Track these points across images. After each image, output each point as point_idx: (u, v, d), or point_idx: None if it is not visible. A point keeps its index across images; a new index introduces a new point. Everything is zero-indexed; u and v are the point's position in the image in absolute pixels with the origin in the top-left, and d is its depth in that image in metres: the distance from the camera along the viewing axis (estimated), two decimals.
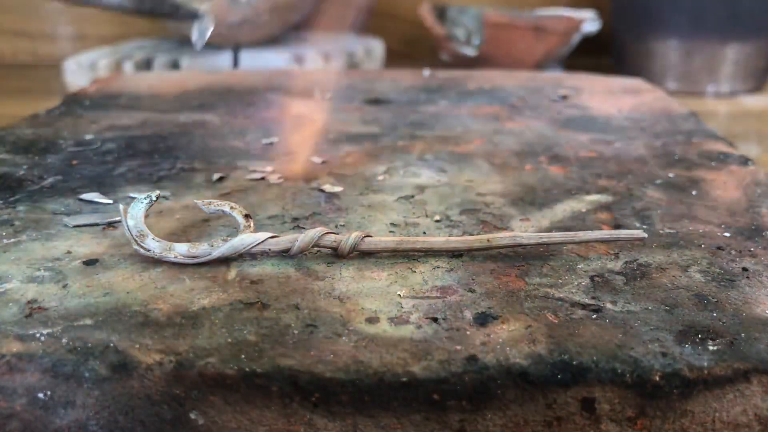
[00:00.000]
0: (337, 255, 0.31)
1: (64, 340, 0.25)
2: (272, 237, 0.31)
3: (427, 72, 0.71)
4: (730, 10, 0.97)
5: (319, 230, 0.31)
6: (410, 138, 0.49)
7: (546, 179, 0.41)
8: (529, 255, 0.32)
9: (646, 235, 0.32)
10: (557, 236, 0.31)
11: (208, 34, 0.39)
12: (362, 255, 0.31)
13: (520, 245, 0.31)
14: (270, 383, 0.24)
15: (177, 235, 0.33)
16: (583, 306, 0.27)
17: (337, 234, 0.31)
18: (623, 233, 0.32)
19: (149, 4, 0.39)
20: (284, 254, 0.31)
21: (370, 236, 0.31)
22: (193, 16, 0.39)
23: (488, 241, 0.31)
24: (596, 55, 1.13)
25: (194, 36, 0.39)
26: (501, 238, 0.31)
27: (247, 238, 0.30)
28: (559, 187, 0.40)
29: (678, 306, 0.28)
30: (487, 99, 0.61)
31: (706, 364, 0.24)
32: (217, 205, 0.32)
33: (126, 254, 0.31)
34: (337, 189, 0.39)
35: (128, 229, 0.30)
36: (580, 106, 0.59)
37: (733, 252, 0.32)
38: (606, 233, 0.32)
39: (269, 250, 0.31)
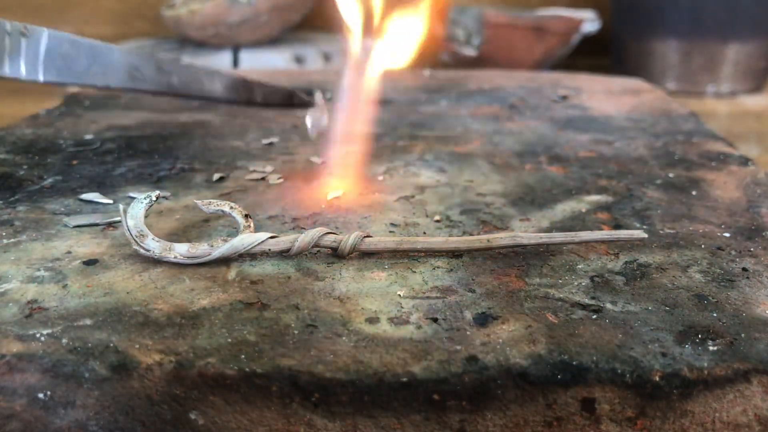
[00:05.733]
0: (337, 255, 0.31)
1: (64, 341, 0.25)
2: (272, 237, 0.31)
3: (427, 72, 0.71)
4: (729, 10, 0.97)
5: (319, 230, 0.31)
6: (410, 138, 0.49)
7: (546, 179, 0.41)
8: (529, 255, 0.32)
9: (646, 235, 0.32)
10: (557, 236, 0.31)
11: (323, 123, 0.39)
12: (362, 255, 0.31)
13: (520, 245, 0.31)
14: (270, 383, 0.24)
15: (177, 235, 0.33)
16: (583, 306, 0.27)
17: (337, 234, 0.31)
18: (623, 233, 0.32)
19: (245, 94, 0.39)
20: (284, 254, 0.31)
21: (370, 236, 0.31)
22: (306, 104, 0.39)
23: (488, 241, 0.31)
24: (596, 55, 1.13)
25: (308, 123, 0.39)
26: (501, 238, 0.31)
27: (247, 238, 0.30)
28: (559, 187, 0.40)
29: (678, 306, 0.28)
30: (487, 99, 0.61)
31: (706, 364, 0.24)
32: (217, 205, 0.32)
33: (126, 254, 0.31)
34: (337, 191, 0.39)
35: (128, 230, 0.30)
36: (580, 106, 0.59)
37: (733, 252, 0.32)
38: (606, 233, 0.32)
39: (269, 250, 0.31)
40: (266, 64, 0.94)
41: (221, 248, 0.30)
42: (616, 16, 1.10)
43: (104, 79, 0.37)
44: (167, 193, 0.38)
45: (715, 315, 0.27)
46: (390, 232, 0.34)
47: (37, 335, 0.25)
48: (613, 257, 0.32)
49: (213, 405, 0.24)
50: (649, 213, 0.36)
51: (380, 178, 0.41)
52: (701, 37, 0.99)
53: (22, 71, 0.36)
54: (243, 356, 0.24)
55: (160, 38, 1.12)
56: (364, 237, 0.31)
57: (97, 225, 0.34)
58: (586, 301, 0.28)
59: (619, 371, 0.24)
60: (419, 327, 0.26)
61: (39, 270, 0.30)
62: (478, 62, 1.04)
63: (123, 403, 0.24)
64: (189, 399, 0.24)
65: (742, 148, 0.49)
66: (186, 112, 0.55)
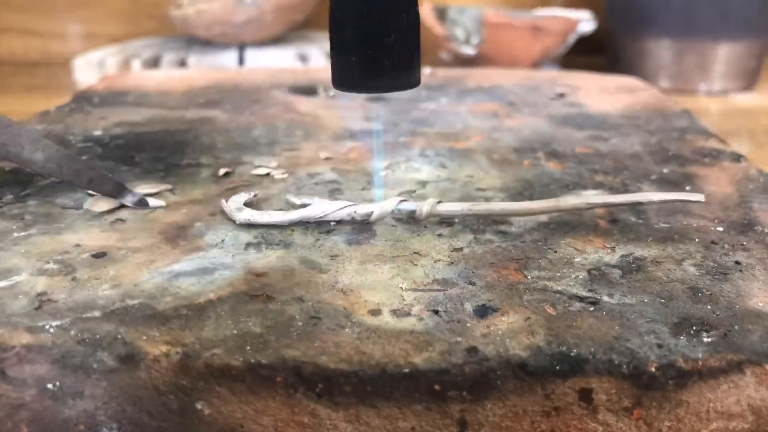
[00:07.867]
0: (414, 219, 0.34)
1: (72, 332, 0.25)
2: (353, 205, 0.34)
3: (428, 70, 0.71)
4: (721, 11, 0.98)
5: (397, 198, 0.34)
6: (412, 134, 0.50)
7: (544, 175, 0.42)
8: (528, 249, 0.32)
9: (704, 198, 0.34)
10: (620, 197, 0.34)
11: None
12: (365, 248, 0.32)
13: (589, 205, 0.34)
14: (275, 374, 0.24)
15: (184, 228, 0.34)
16: (581, 299, 0.28)
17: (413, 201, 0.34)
18: (683, 195, 0.34)
19: (68, 173, 0.34)
20: (364, 221, 0.34)
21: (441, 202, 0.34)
22: (139, 203, 0.35)
23: (556, 203, 0.33)
24: (592, 54, 1.13)
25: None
26: (570, 198, 0.34)
27: (336, 203, 0.34)
28: (557, 183, 0.40)
29: (673, 299, 0.28)
30: (486, 97, 0.61)
31: (700, 355, 0.25)
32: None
33: (133, 248, 0.32)
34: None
35: (230, 212, 0.34)
36: (576, 103, 0.59)
37: (726, 246, 0.33)
38: (667, 194, 0.34)
39: (355, 212, 0.34)
40: (271, 62, 0.94)
41: (308, 210, 0.34)
42: (611, 16, 1.11)
43: None
44: (171, 187, 0.39)
45: (709, 307, 0.27)
46: (392, 226, 0.34)
47: (47, 327, 0.25)
48: (609, 251, 0.32)
49: (219, 395, 0.24)
50: (644, 207, 0.37)
51: (382, 173, 0.42)
52: (693, 36, 1.00)
53: None
54: (248, 347, 0.24)
55: (167, 37, 1.12)
56: (437, 203, 0.34)
57: (113, 210, 0.35)
58: (584, 293, 0.28)
59: (616, 362, 0.24)
60: (421, 319, 0.26)
61: (48, 263, 0.30)
62: (477, 61, 1.05)
63: (130, 393, 0.24)
64: (195, 389, 0.24)
65: (734, 145, 0.49)
66: (193, 109, 0.55)
